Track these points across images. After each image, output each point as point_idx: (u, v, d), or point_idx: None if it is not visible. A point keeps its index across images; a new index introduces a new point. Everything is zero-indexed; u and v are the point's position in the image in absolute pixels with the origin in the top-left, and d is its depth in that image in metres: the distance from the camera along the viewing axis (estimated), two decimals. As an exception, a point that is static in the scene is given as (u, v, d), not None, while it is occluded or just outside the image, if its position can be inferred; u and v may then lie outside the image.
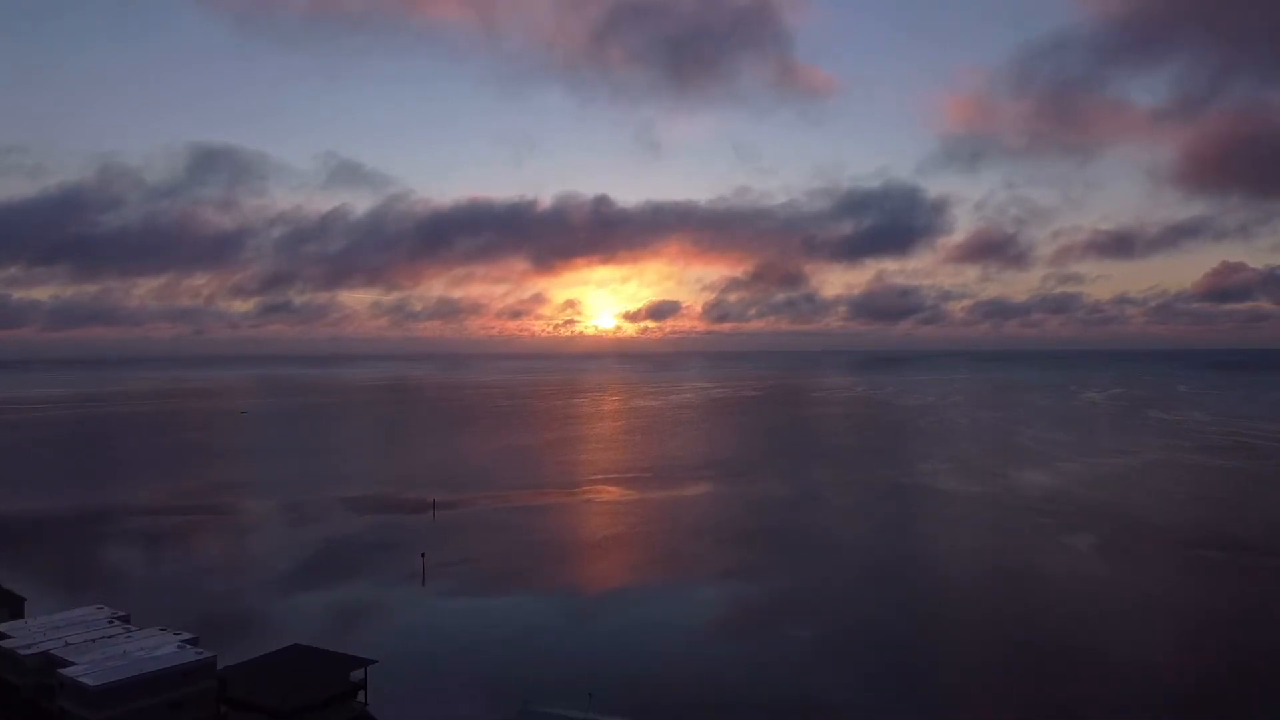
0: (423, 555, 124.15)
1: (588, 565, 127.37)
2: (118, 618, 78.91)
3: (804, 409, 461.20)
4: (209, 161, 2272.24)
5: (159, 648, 68.81)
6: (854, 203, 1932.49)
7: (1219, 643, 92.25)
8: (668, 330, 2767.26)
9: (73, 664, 65.73)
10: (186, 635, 72.89)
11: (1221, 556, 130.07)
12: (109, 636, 72.46)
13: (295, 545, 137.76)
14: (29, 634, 74.20)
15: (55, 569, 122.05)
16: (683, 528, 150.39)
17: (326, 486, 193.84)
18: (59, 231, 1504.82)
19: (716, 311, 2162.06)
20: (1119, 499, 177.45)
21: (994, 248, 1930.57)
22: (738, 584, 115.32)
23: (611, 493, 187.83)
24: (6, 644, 72.04)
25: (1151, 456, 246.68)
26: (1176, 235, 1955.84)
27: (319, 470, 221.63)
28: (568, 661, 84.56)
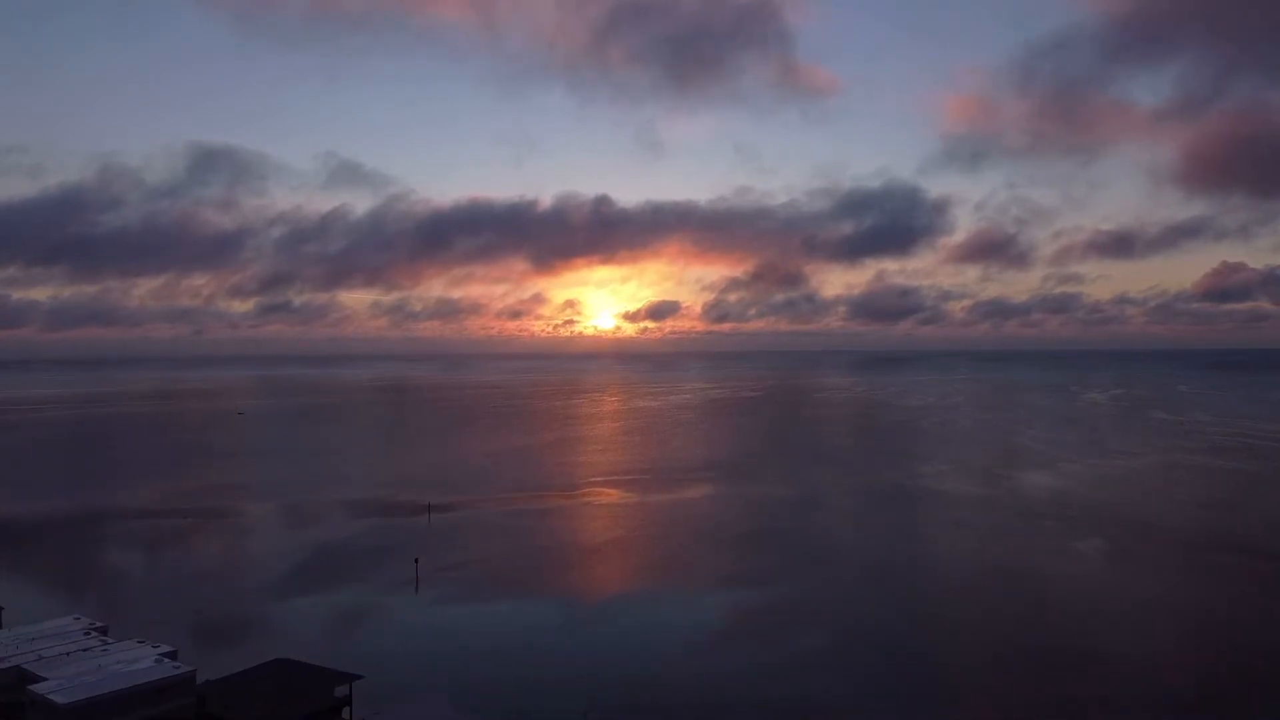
0: (417, 561, 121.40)
1: (586, 570, 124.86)
2: (95, 629, 75.95)
3: (804, 409, 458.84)
4: (209, 161, 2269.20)
5: (136, 661, 65.97)
6: (855, 203, 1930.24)
7: (1227, 647, 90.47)
8: (667, 330, 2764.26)
9: (44, 679, 62.96)
10: (166, 648, 69.97)
11: (1228, 560, 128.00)
12: (84, 649, 69.51)
13: (285, 550, 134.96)
14: (1, 646, 71.36)
15: (37, 575, 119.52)
16: (683, 531, 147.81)
17: (320, 489, 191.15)
18: (59, 231, 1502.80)
19: (716, 311, 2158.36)
20: (1123, 501, 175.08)
21: (994, 248, 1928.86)
22: (740, 588, 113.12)
23: (611, 495, 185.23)
24: (-22, 657, 69.23)
25: (1155, 458, 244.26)
26: (1177, 235, 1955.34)
27: (313, 472, 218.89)
28: (565, 671, 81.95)
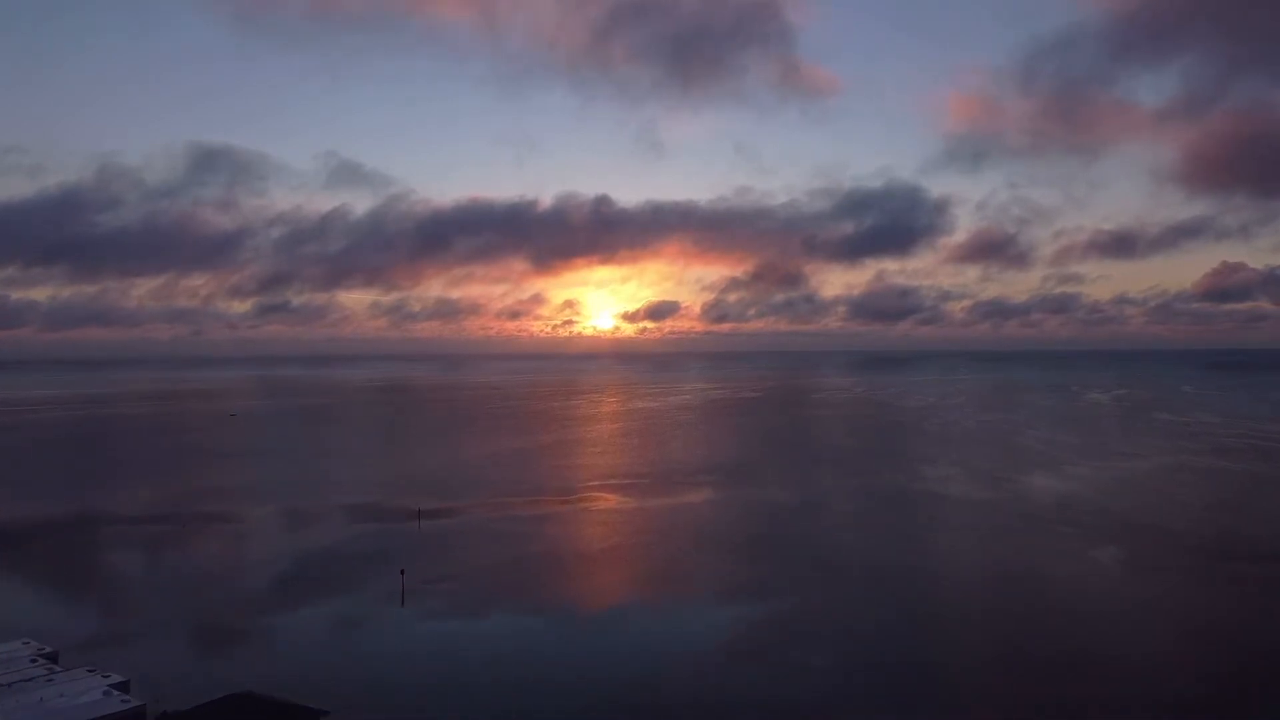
0: (402, 572, 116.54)
1: (583, 580, 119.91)
2: (43, 655, 71.04)
3: (804, 410, 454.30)
4: (209, 161, 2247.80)
5: (83, 694, 61.11)
6: (855, 203, 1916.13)
7: (1229, 649, 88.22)
8: (666, 331, 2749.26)
9: (-18, 714, 58.31)
10: (117, 678, 65.02)
11: (1234, 562, 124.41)
12: (28, 679, 64.65)
13: (262, 562, 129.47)
14: (-58, 675, 66.47)
15: None
16: (683, 535, 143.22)
17: (306, 494, 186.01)
18: (58, 231, 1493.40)
19: (716, 312, 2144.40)
20: (1129, 503, 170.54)
21: (995, 248, 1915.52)
22: (740, 592, 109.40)
23: (609, 500, 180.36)
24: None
25: (1161, 459, 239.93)
26: (1177, 235, 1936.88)
27: (301, 476, 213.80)
28: (561, 691, 77.31)
